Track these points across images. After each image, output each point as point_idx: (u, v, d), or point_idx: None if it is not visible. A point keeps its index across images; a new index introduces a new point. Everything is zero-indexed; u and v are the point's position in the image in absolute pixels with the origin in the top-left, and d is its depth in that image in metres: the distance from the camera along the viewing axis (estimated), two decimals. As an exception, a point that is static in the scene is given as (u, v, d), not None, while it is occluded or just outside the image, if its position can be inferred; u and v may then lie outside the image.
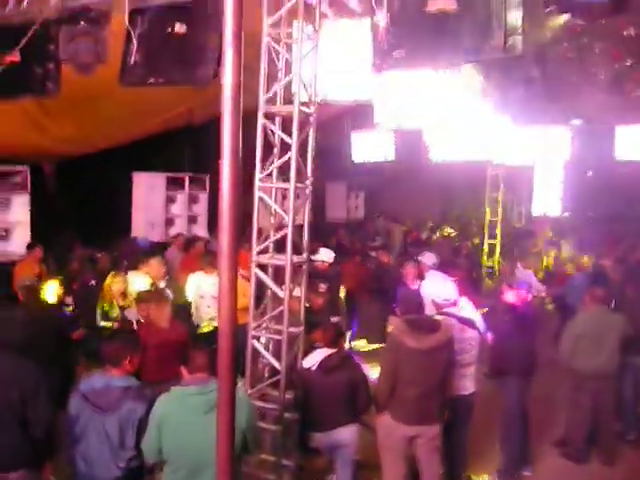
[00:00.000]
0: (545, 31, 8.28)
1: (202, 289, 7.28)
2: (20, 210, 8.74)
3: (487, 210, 13.51)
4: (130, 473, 3.83)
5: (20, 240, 8.68)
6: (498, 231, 13.39)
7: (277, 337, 4.85)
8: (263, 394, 5.00)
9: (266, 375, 5.06)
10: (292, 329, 4.79)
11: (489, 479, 5.99)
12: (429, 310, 5.77)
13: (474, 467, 6.04)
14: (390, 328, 4.82)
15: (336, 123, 12.84)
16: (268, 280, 4.88)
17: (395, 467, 4.95)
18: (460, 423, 5.44)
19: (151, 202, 11.03)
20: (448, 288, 5.78)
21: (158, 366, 4.81)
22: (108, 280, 7.11)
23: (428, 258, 8.25)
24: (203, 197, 11.89)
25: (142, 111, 8.07)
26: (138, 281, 7.22)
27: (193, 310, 7.42)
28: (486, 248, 13.23)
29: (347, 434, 4.85)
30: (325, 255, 7.85)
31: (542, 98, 11.19)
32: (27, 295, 6.31)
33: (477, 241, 14.45)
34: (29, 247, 8.34)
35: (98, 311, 6.72)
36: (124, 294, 6.83)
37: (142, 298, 5.88)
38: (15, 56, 5.46)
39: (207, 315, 7.25)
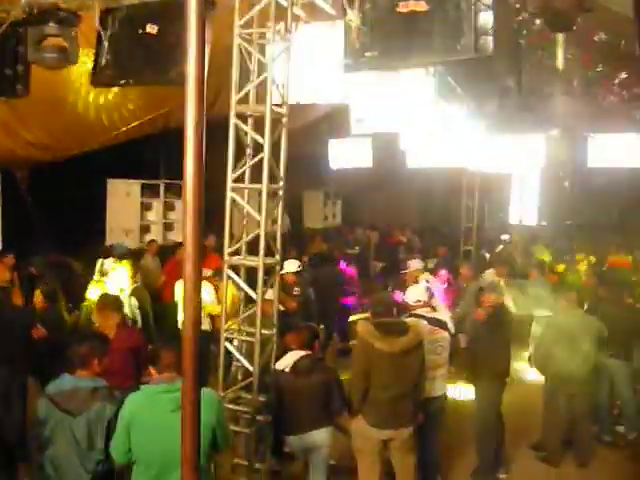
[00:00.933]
0: (518, 37, 8.35)
1: None
2: (-9, 216, 8.61)
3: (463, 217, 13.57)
4: (99, 477, 3.76)
5: (-9, 246, 8.53)
6: (473, 238, 13.44)
7: (250, 339, 4.80)
8: (236, 397, 4.94)
9: (239, 378, 4.99)
10: (265, 331, 4.74)
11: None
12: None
13: (448, 470, 6.03)
14: (359, 331, 4.79)
15: (313, 130, 12.85)
16: (241, 282, 4.84)
17: (370, 471, 4.94)
18: (431, 426, 5.44)
19: (126, 209, 10.96)
20: (419, 289, 5.83)
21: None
22: (90, 286, 7.52)
23: (415, 264, 8.53)
24: (179, 204, 11.82)
25: (115, 116, 7.98)
26: (111, 287, 7.27)
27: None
28: (461, 254, 13.26)
29: (321, 437, 4.81)
30: (290, 266, 7.65)
31: (517, 107, 11.28)
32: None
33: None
34: (0, 254, 8.21)
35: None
36: None
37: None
38: (-16, 58, 5.38)
39: None
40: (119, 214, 11.04)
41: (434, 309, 5.86)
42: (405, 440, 4.89)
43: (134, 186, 11.00)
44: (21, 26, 5.30)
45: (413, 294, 5.72)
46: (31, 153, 8.74)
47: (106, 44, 5.19)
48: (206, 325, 7.56)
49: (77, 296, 8.05)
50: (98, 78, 5.33)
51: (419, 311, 5.56)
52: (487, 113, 11.02)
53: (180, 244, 10.09)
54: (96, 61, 5.25)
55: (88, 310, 7.17)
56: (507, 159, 12.75)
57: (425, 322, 5.44)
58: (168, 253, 10.63)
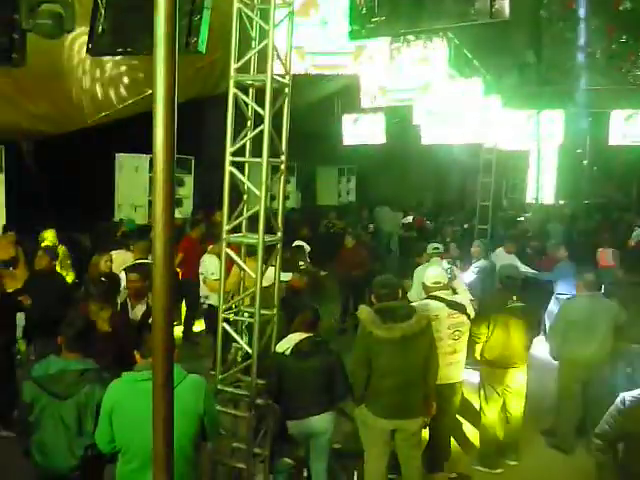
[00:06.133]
0: (538, 7, 8.03)
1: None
2: (-6, 190, 8.49)
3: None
4: (89, 462, 3.62)
5: (-6, 220, 8.43)
6: (489, 216, 13.09)
7: (249, 320, 4.60)
8: (235, 380, 4.77)
9: (239, 360, 4.81)
10: (265, 312, 4.54)
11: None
12: (420, 293, 5.56)
13: (456, 457, 5.82)
14: (359, 317, 4.56)
15: (327, 105, 12.62)
16: (239, 260, 4.64)
17: (376, 460, 4.73)
18: (444, 413, 5.22)
19: (134, 184, 10.80)
20: (438, 271, 5.57)
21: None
22: (94, 259, 7.29)
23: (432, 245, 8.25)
24: (188, 179, 11.66)
25: (118, 90, 7.79)
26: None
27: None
28: (476, 233, 12.94)
29: (322, 422, 4.61)
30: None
31: (536, 82, 10.95)
32: None
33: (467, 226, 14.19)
34: (4, 229, 8.11)
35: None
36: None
37: None
38: (-21, 27, 5.19)
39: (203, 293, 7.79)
40: (128, 189, 10.90)
41: (454, 291, 5.61)
42: (413, 432, 4.65)
43: (143, 161, 10.82)
44: (15, -8, 5.11)
45: (432, 275, 5.46)
46: (36, 125, 8.59)
47: (103, 11, 4.97)
48: (214, 300, 7.44)
49: (85, 272, 7.96)
50: (95, 47, 5.10)
51: (438, 293, 5.32)
52: (505, 87, 10.73)
53: (194, 221, 9.98)
54: (92, 30, 5.03)
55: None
56: (525, 135, 12.44)
57: (443, 305, 5.21)
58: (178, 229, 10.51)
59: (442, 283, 5.39)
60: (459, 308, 5.30)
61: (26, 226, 8.57)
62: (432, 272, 5.53)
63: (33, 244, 8.39)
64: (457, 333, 5.26)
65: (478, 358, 5.71)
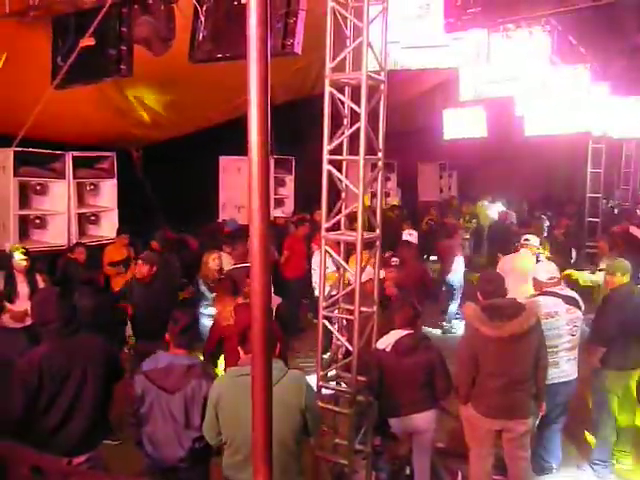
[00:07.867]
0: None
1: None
2: (108, 195, 8.95)
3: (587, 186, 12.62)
4: (196, 454, 3.76)
5: (109, 224, 8.90)
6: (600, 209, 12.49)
7: (349, 317, 4.61)
8: (336, 376, 4.80)
9: (340, 356, 4.84)
10: (364, 309, 4.53)
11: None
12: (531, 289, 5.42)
13: (566, 457, 5.58)
14: (465, 314, 4.45)
15: (427, 100, 12.45)
16: (339, 258, 4.66)
17: (481, 460, 4.63)
18: (557, 412, 5.02)
19: (237, 185, 11.09)
20: (550, 265, 5.43)
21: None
22: (205, 258, 7.43)
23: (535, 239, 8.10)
24: (289, 179, 11.85)
25: (221, 93, 8.01)
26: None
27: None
28: (586, 227, 12.38)
29: (424, 421, 4.58)
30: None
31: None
32: None
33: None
34: (118, 232, 8.55)
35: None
36: (220, 271, 7.05)
37: None
38: (90, 40, 5.50)
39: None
40: (231, 190, 11.21)
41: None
42: (521, 434, 4.48)
43: (245, 162, 11.05)
44: (123, 6, 5.38)
45: (545, 271, 5.28)
46: (146, 132, 8.99)
47: (202, 19, 5.15)
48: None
49: (193, 272, 8.26)
50: (196, 54, 5.29)
51: (553, 289, 5.13)
52: (613, 73, 10.19)
53: (299, 219, 10.15)
54: (193, 37, 5.22)
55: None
56: (638, 122, 11.76)
57: (560, 300, 5.03)
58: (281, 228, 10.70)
59: (556, 278, 5.22)
60: (574, 303, 5.11)
61: (137, 229, 9.00)
62: (545, 267, 5.40)
63: (143, 246, 8.82)
64: (575, 328, 5.08)
65: (598, 364, 5.42)
